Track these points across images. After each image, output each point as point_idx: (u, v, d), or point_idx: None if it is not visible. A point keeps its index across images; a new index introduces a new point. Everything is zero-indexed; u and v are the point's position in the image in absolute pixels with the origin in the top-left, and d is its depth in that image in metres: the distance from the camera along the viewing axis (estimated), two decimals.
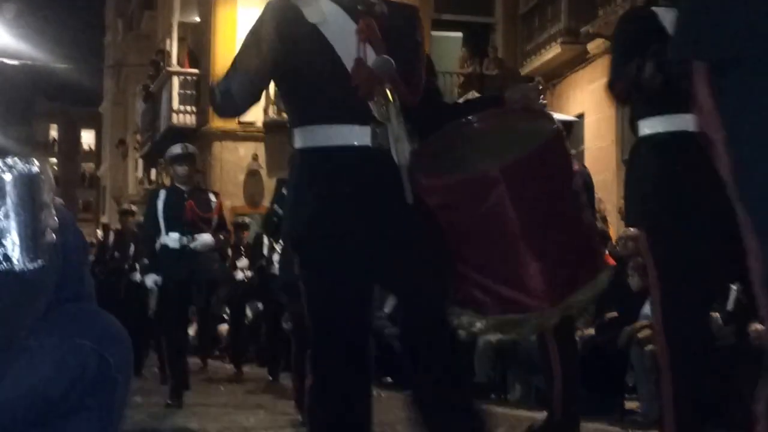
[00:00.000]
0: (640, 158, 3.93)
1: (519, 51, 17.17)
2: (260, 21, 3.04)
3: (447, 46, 19.29)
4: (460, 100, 3.41)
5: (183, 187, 8.19)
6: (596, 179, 6.84)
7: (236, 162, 18.78)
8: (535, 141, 3.13)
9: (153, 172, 25.07)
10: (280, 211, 7.25)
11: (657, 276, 3.81)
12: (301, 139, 3.16)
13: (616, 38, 4.07)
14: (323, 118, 3.10)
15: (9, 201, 1.69)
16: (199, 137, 18.57)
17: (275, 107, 18.55)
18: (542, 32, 17.07)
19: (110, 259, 13.44)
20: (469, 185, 3.06)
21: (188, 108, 19.85)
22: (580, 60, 16.29)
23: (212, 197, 8.52)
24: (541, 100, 3.31)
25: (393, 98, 3.09)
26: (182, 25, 20.98)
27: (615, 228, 11.79)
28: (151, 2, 24.97)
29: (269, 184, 19.15)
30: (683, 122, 3.64)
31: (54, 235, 1.73)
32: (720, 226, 2.84)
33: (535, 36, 17.24)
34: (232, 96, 3.04)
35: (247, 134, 18.92)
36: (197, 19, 20.76)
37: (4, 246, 1.68)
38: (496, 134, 3.24)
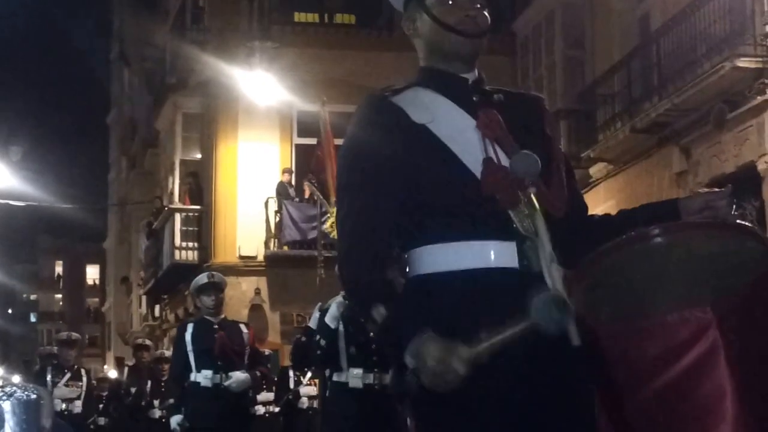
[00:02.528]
0: None
1: None
2: (365, 133, 2.49)
3: None
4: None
5: (212, 319, 7.86)
6: None
7: (239, 297, 18.61)
8: (747, 270, 2.36)
9: (157, 308, 24.95)
10: (323, 342, 6.67)
11: None
12: (418, 263, 2.45)
13: None
14: (451, 234, 2.41)
15: (8, 428, 1.69)
16: (201, 273, 18.47)
17: (276, 240, 18.56)
18: None
19: (125, 395, 13.12)
20: (661, 331, 2.35)
21: (190, 244, 19.80)
22: (583, 184, 16.24)
23: (243, 328, 8.16)
24: (733, 212, 2.50)
25: (539, 206, 2.41)
26: (184, 163, 21.12)
27: None
28: (153, 140, 25.26)
29: (273, 318, 18.99)
30: None
31: None
32: None
33: None
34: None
35: (249, 269, 18.81)
36: (198, 156, 20.92)
37: None
38: (686, 256, 2.39)
